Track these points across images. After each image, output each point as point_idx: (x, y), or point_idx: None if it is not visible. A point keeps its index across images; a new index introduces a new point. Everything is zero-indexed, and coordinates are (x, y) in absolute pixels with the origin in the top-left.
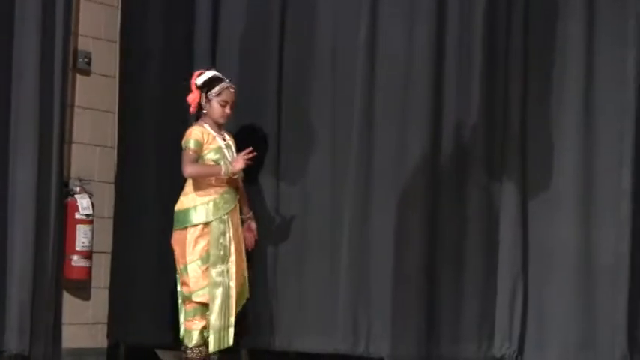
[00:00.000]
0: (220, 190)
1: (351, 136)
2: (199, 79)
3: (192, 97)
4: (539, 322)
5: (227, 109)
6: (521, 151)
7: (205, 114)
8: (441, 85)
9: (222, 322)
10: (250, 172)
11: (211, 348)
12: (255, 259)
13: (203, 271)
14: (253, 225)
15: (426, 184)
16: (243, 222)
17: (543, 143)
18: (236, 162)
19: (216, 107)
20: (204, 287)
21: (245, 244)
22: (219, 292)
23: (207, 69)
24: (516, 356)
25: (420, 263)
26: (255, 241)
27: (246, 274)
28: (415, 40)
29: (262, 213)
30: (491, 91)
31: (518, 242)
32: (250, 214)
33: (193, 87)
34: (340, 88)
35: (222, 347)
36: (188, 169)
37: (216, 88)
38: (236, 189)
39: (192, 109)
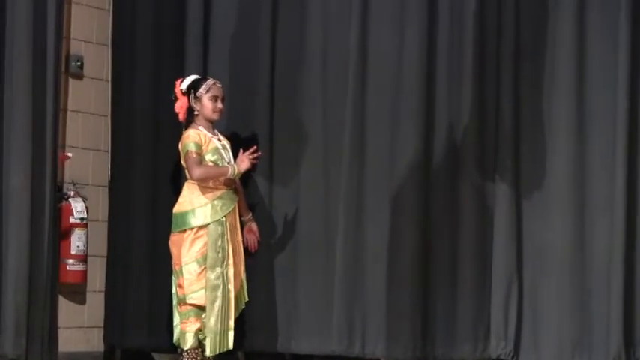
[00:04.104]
0: (218, 192)
1: (343, 138)
2: (183, 84)
3: (180, 104)
4: (535, 322)
5: (219, 104)
6: (513, 152)
7: (197, 116)
8: (432, 86)
9: (221, 326)
10: (243, 175)
11: (209, 352)
12: (250, 262)
13: (198, 274)
14: (254, 226)
15: (419, 185)
16: (243, 224)
17: (536, 143)
18: (241, 162)
19: (208, 104)
20: (199, 290)
21: (248, 246)
22: (218, 294)
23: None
24: (512, 356)
25: (414, 264)
26: (258, 242)
27: (244, 277)
28: (406, 41)
29: (256, 215)
30: (482, 92)
31: (513, 242)
32: (250, 216)
33: (179, 94)
34: (332, 89)
35: (221, 351)
36: (196, 172)
37: (204, 86)
38: (234, 191)
39: (181, 117)
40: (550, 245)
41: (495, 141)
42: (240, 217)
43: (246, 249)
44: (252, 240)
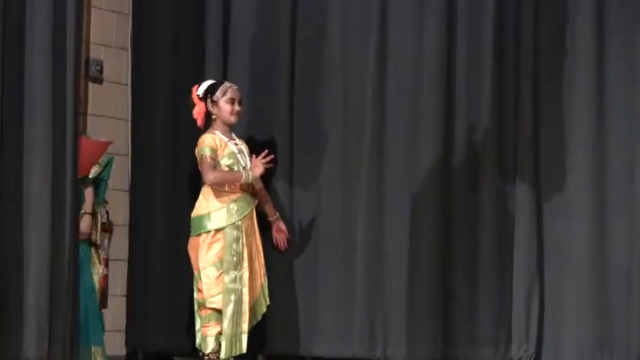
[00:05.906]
0: (234, 196)
1: (362, 139)
2: (200, 90)
3: (198, 110)
4: (556, 324)
5: (236, 107)
6: (534, 152)
7: (214, 120)
8: (451, 87)
9: (235, 329)
10: (263, 177)
11: (223, 355)
12: (270, 265)
13: (216, 278)
14: (282, 225)
15: (439, 186)
16: (271, 224)
17: (556, 143)
18: (255, 167)
19: (225, 107)
20: (217, 294)
21: (278, 246)
22: (232, 298)
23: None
24: (533, 359)
25: (435, 266)
26: (288, 240)
27: (265, 280)
28: (425, 42)
29: None
30: (502, 93)
31: (534, 244)
32: (277, 215)
33: (196, 100)
34: (351, 90)
35: (234, 354)
36: (210, 176)
37: (220, 89)
38: (251, 194)
39: (199, 123)
40: (571, 246)
41: (515, 141)
42: (267, 217)
43: (276, 248)
44: (282, 239)
